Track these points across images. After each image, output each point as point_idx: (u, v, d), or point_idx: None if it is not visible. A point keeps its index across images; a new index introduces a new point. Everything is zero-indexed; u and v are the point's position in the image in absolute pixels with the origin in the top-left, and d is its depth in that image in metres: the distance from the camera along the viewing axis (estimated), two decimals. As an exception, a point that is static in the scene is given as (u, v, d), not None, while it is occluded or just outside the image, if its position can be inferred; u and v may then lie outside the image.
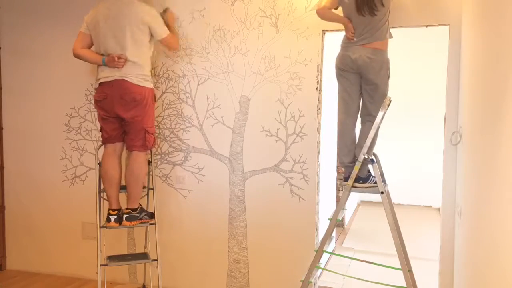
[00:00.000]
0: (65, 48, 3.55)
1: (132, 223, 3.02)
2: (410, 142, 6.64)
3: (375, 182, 2.65)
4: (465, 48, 2.62)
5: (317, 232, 3.20)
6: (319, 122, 3.13)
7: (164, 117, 3.44)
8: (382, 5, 2.59)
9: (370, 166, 2.69)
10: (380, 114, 2.59)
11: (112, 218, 3.00)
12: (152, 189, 3.26)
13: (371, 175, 2.70)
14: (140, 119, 2.97)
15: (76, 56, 3.03)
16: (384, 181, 2.66)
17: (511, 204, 1.43)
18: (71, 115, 3.68)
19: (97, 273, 3.01)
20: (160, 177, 3.48)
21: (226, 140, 3.31)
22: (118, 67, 2.89)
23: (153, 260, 3.15)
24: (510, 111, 1.47)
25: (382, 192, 2.60)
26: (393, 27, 2.94)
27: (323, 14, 2.75)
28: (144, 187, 3.16)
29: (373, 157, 2.67)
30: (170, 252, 3.47)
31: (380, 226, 5.09)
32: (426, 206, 6.68)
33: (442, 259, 2.94)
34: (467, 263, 2.30)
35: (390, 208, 2.61)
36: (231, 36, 3.25)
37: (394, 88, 2.84)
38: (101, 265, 3.04)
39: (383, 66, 2.63)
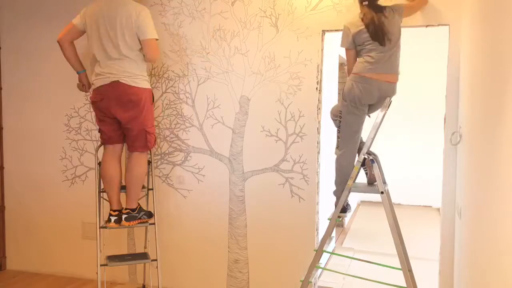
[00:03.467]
0: (65, 48, 3.55)
1: (131, 223, 3.02)
2: (410, 142, 6.64)
3: (365, 170, 2.65)
4: (465, 48, 2.62)
5: (317, 232, 3.20)
6: (319, 122, 3.13)
7: (164, 117, 3.44)
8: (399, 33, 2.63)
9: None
10: (380, 114, 2.59)
11: (113, 218, 3.00)
12: (152, 189, 3.26)
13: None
14: (140, 120, 2.95)
15: (61, 47, 2.99)
16: (384, 181, 2.66)
17: (511, 204, 1.43)
18: (71, 115, 3.68)
19: (97, 273, 3.01)
20: (160, 177, 3.48)
21: (226, 140, 3.31)
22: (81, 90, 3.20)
23: (153, 260, 3.15)
24: (510, 111, 1.47)
25: (382, 192, 2.60)
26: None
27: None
28: (143, 187, 3.16)
29: (373, 157, 2.67)
30: (170, 252, 3.48)
31: (380, 226, 5.09)
32: (426, 206, 6.67)
33: (442, 259, 2.94)
34: (467, 263, 2.30)
35: (390, 208, 2.61)
36: (231, 36, 3.25)
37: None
38: (101, 265, 3.04)
39: None
